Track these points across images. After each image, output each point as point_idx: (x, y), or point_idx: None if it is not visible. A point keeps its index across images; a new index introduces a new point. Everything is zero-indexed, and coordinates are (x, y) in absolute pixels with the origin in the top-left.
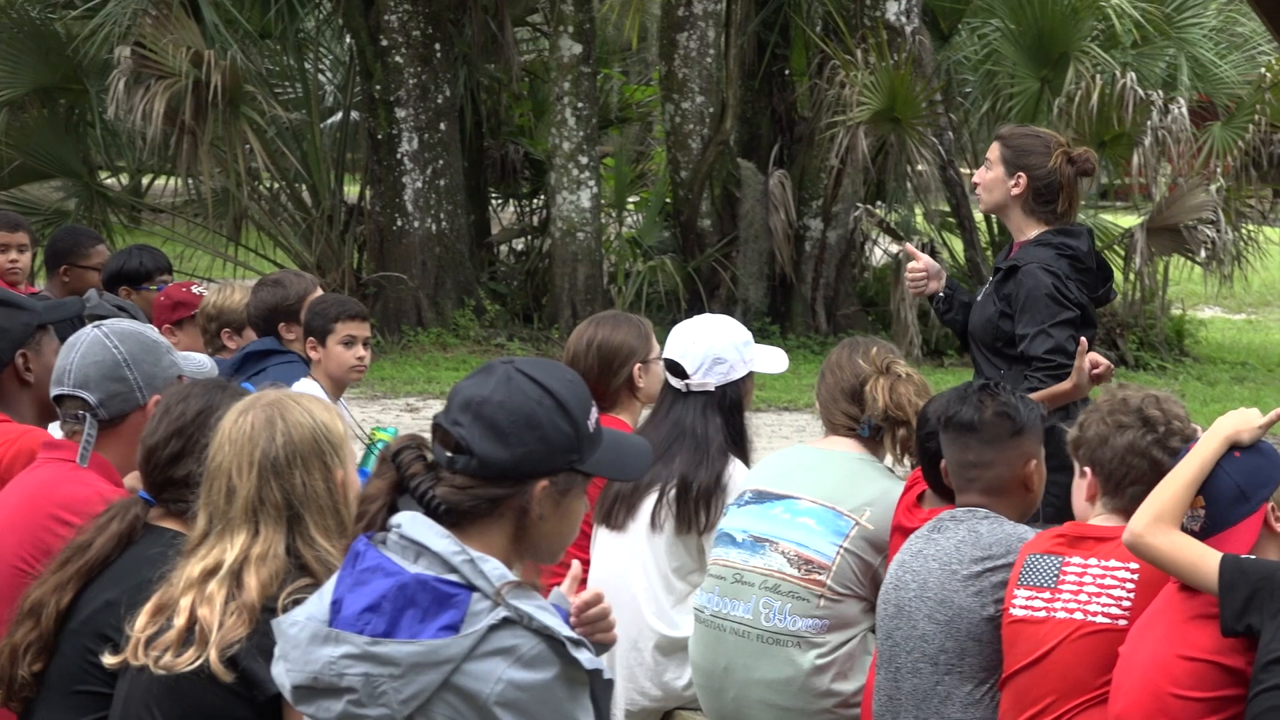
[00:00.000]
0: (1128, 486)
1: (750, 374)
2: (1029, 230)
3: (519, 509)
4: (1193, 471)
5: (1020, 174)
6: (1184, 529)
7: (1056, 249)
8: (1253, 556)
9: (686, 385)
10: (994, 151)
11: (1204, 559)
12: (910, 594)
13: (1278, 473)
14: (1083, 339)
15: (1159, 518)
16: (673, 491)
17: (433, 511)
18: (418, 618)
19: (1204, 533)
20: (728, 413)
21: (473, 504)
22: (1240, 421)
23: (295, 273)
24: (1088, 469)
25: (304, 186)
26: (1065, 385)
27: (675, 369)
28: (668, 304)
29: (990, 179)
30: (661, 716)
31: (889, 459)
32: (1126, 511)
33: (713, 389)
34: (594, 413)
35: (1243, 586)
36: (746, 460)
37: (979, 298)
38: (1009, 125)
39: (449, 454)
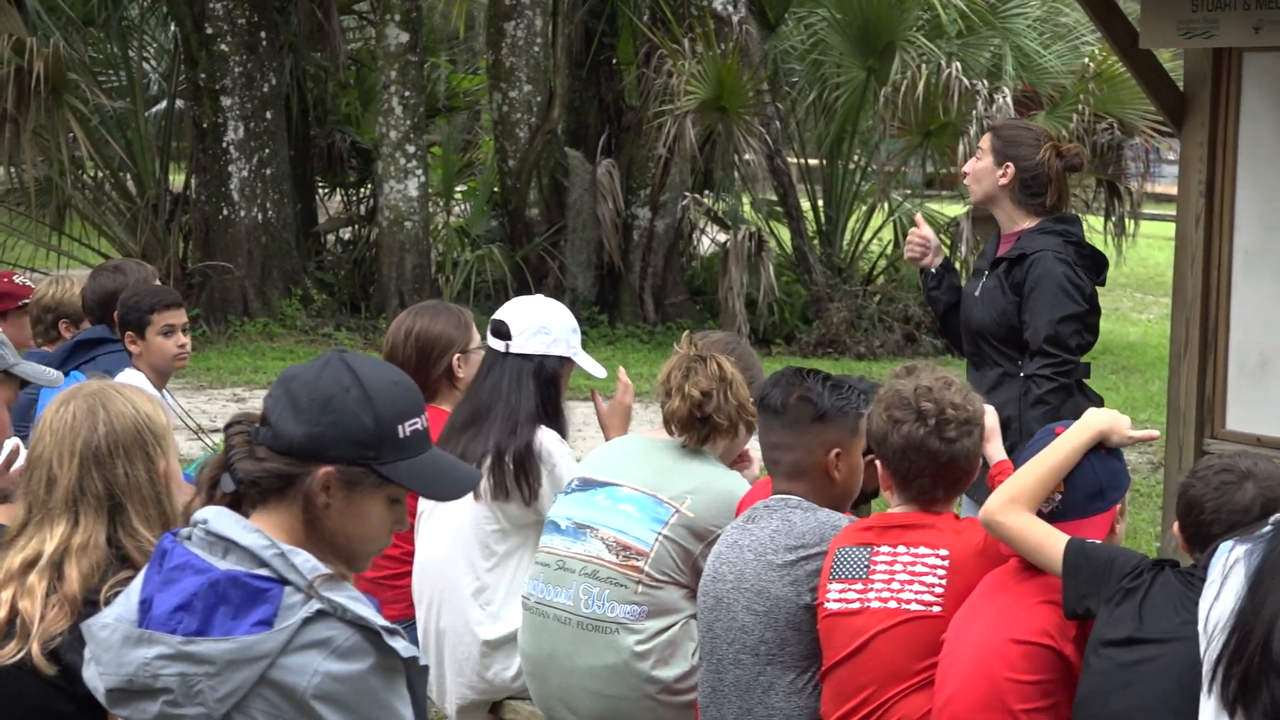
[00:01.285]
0: (914, 479)
1: (570, 359)
2: (1021, 221)
3: (306, 493)
4: (1058, 460)
5: (1008, 164)
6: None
7: (1063, 236)
8: (1098, 541)
9: (507, 347)
10: (985, 142)
11: (1051, 541)
12: (728, 585)
13: (1128, 481)
14: None
15: (1015, 499)
16: (488, 460)
17: (236, 485)
18: (230, 614)
19: (1053, 517)
20: (544, 384)
21: (265, 477)
22: (1113, 421)
23: (136, 261)
24: (878, 461)
25: (128, 175)
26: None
27: (500, 330)
28: (495, 293)
29: (980, 168)
30: (491, 707)
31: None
32: (921, 501)
33: (532, 356)
34: (414, 423)
35: (1085, 570)
36: (562, 434)
37: (976, 292)
38: (1001, 117)
39: (256, 424)
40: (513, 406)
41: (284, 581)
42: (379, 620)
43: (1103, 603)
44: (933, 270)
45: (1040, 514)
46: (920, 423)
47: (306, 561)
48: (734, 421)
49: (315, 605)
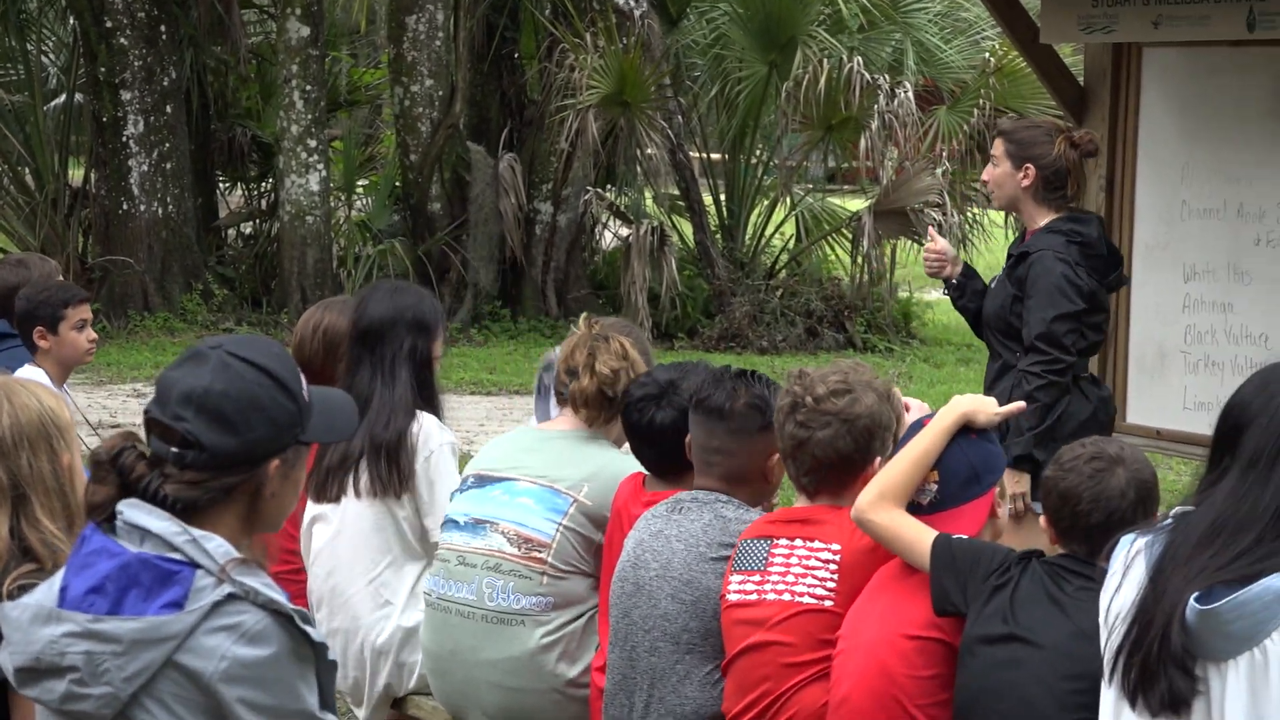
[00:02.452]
0: (788, 464)
1: (440, 337)
2: (1041, 219)
3: (252, 491)
4: (921, 450)
5: (1028, 165)
6: (915, 503)
7: (1066, 235)
8: (964, 537)
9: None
10: (998, 148)
11: (920, 538)
12: (651, 573)
13: (1004, 462)
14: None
15: (883, 495)
16: (365, 458)
17: (168, 508)
18: (141, 596)
19: (933, 508)
20: (417, 368)
21: (208, 496)
22: (976, 404)
23: (39, 256)
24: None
25: (27, 170)
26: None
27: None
28: None
29: (999, 175)
30: (392, 703)
31: None
32: (806, 493)
33: (403, 342)
34: (304, 381)
35: (952, 567)
36: (438, 415)
37: (992, 285)
38: (1006, 120)
39: (175, 450)
40: (386, 399)
41: (195, 565)
42: (291, 605)
43: (972, 600)
44: (953, 281)
45: (920, 505)
46: (784, 406)
47: (219, 546)
48: None
49: (226, 589)
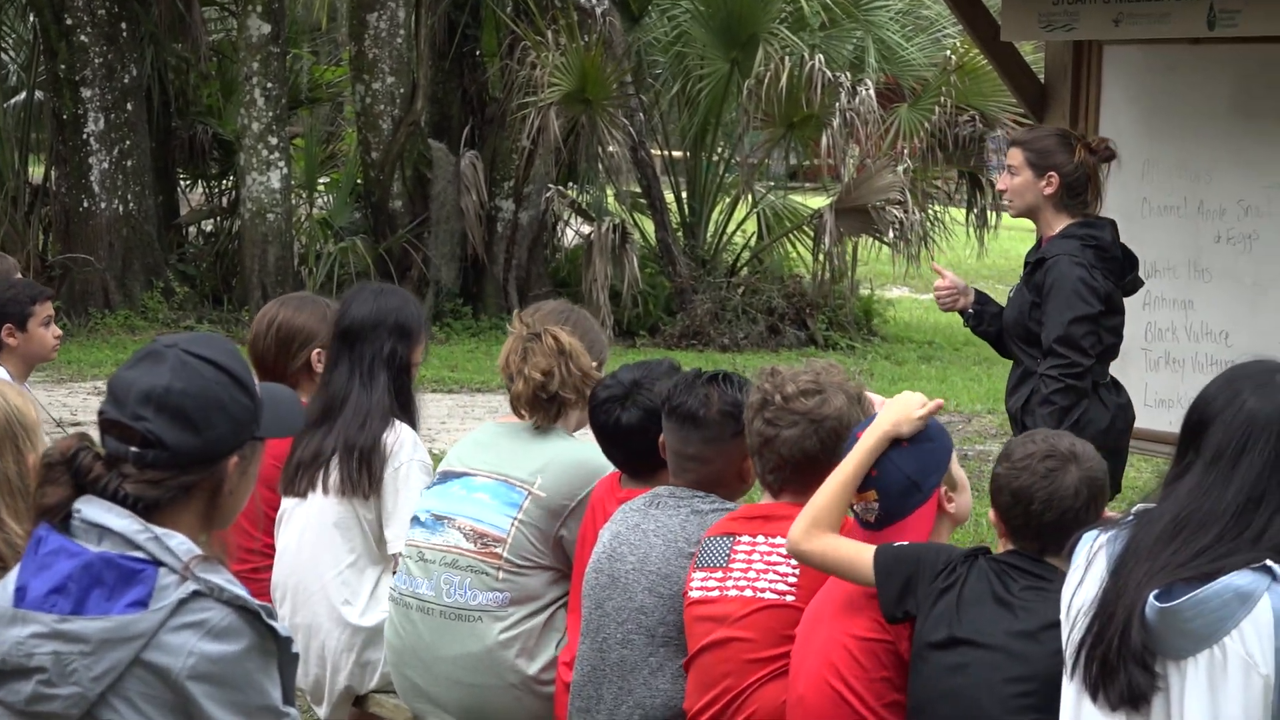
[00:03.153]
0: (755, 460)
1: (422, 343)
2: (1058, 225)
3: (212, 488)
4: (846, 474)
5: (1051, 174)
6: (861, 521)
7: (1081, 240)
8: (906, 543)
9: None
10: (1015, 157)
11: (859, 556)
12: (628, 566)
13: (946, 455)
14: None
15: (814, 523)
16: (338, 456)
17: (129, 507)
18: (105, 595)
19: (879, 524)
20: (395, 374)
21: (170, 494)
22: (899, 414)
23: None
24: None
25: None
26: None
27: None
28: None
29: (1019, 184)
30: (354, 700)
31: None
32: (770, 490)
33: (383, 345)
34: (254, 376)
35: (897, 574)
36: (413, 424)
37: (1010, 295)
38: (1020, 130)
39: (135, 449)
40: (363, 401)
41: (158, 563)
42: (256, 600)
43: (921, 601)
44: (970, 311)
45: (869, 524)
46: (753, 403)
47: (181, 544)
48: (580, 393)
49: (191, 586)
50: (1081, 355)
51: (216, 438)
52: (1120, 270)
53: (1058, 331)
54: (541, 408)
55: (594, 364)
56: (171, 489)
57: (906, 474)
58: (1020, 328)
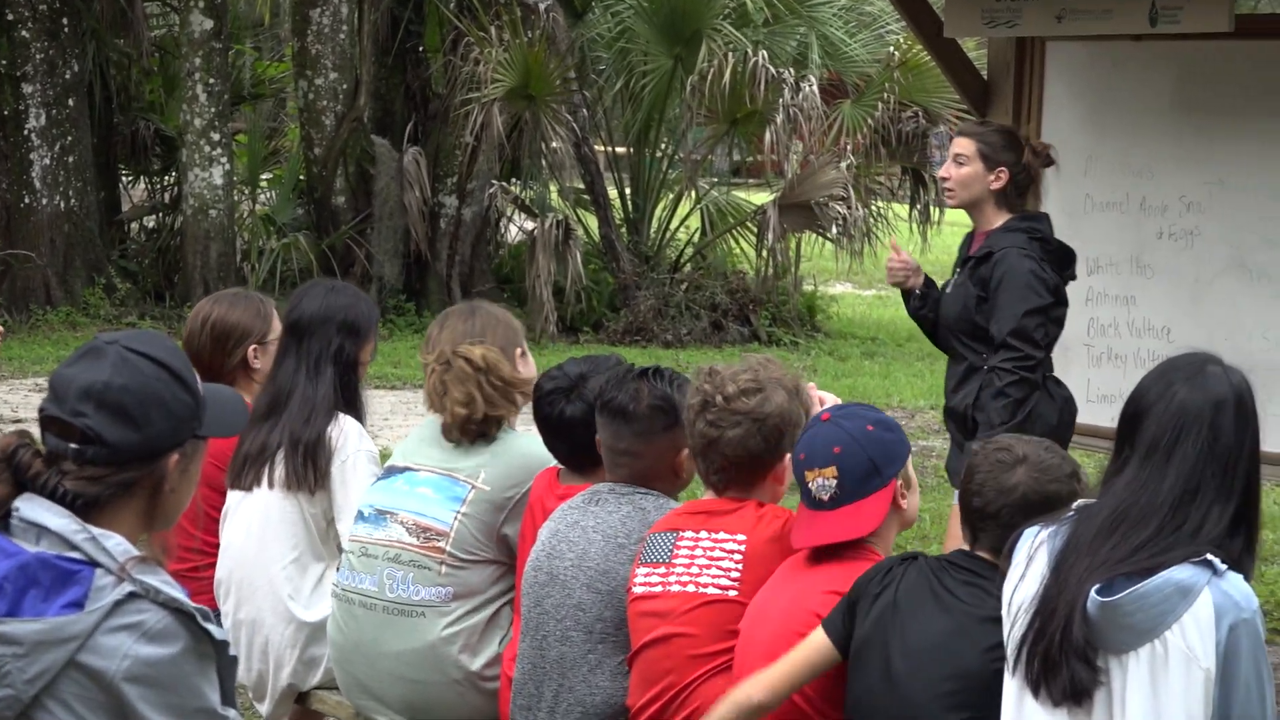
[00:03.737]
0: (699, 460)
1: (371, 342)
2: (996, 220)
3: (152, 486)
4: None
5: (1002, 169)
6: (813, 502)
7: (1027, 233)
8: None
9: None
10: (966, 147)
11: (809, 641)
12: (567, 563)
13: (905, 449)
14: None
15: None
16: (283, 450)
17: (66, 504)
18: (40, 596)
19: (834, 503)
20: (342, 370)
21: (110, 491)
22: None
23: None
24: None
25: None
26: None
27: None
28: (301, 282)
29: (967, 175)
30: (297, 697)
31: None
32: (715, 489)
33: (331, 340)
34: (196, 374)
35: (841, 609)
36: (360, 420)
37: (948, 289)
38: (969, 122)
39: (75, 446)
40: (309, 395)
41: (95, 564)
42: (192, 603)
43: (860, 616)
44: (916, 291)
45: (822, 502)
46: (694, 405)
47: (118, 545)
48: (509, 399)
49: (127, 588)
50: (1034, 348)
51: (156, 434)
52: (1062, 263)
53: (1011, 324)
54: (471, 431)
55: (518, 351)
56: (111, 486)
57: (870, 456)
58: (965, 323)
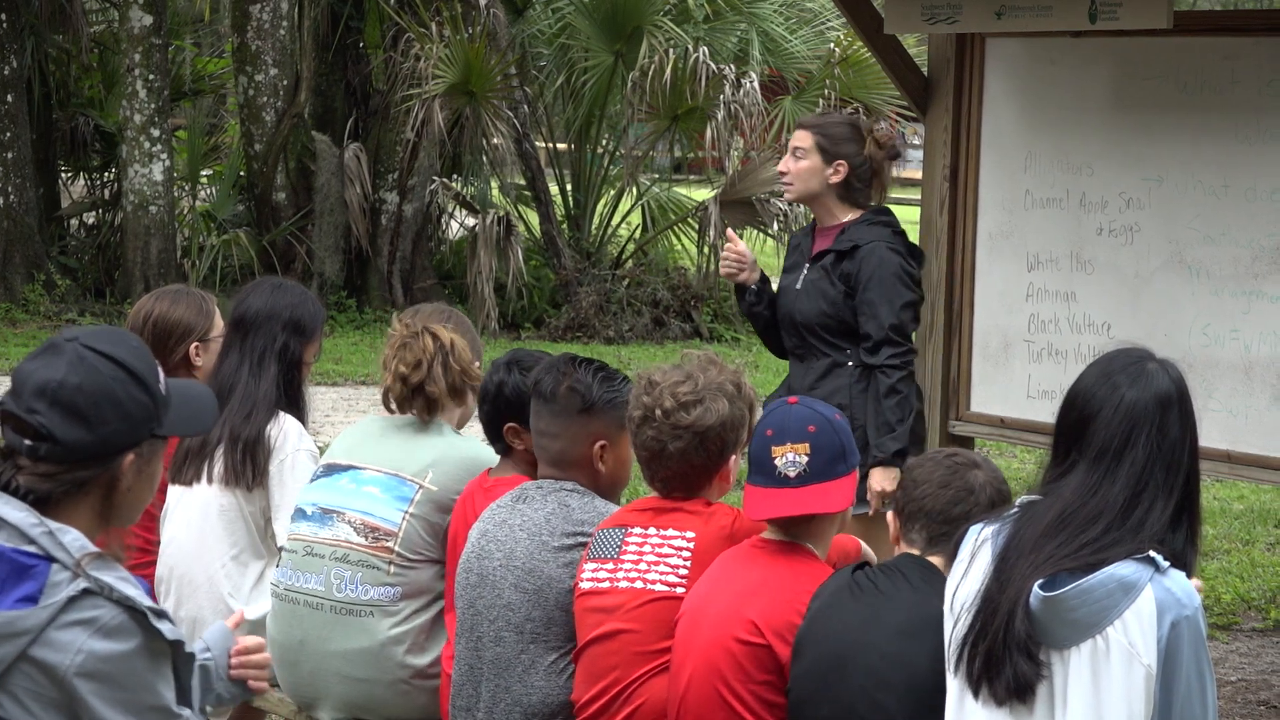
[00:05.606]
0: (644, 467)
1: (316, 342)
2: (842, 215)
3: (107, 484)
4: None
5: (840, 162)
6: (777, 479)
7: (890, 228)
8: None
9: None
10: (805, 140)
11: None
12: (495, 563)
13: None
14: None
15: None
16: (223, 445)
17: (21, 499)
18: None
19: (800, 480)
20: (286, 367)
21: (62, 489)
22: None
23: None
24: None
25: None
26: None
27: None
28: (242, 277)
29: (804, 168)
30: None
31: None
32: (662, 491)
33: (276, 337)
34: (161, 374)
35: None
36: (301, 420)
37: (798, 285)
38: (810, 115)
39: (28, 442)
40: (250, 390)
41: (51, 559)
42: (146, 601)
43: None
44: (752, 286)
45: (788, 479)
46: (635, 417)
47: (75, 540)
48: (458, 388)
49: (82, 583)
50: (909, 342)
51: (110, 434)
52: (919, 258)
53: (891, 320)
54: (409, 402)
55: (476, 364)
56: (64, 483)
57: (841, 440)
58: (830, 319)
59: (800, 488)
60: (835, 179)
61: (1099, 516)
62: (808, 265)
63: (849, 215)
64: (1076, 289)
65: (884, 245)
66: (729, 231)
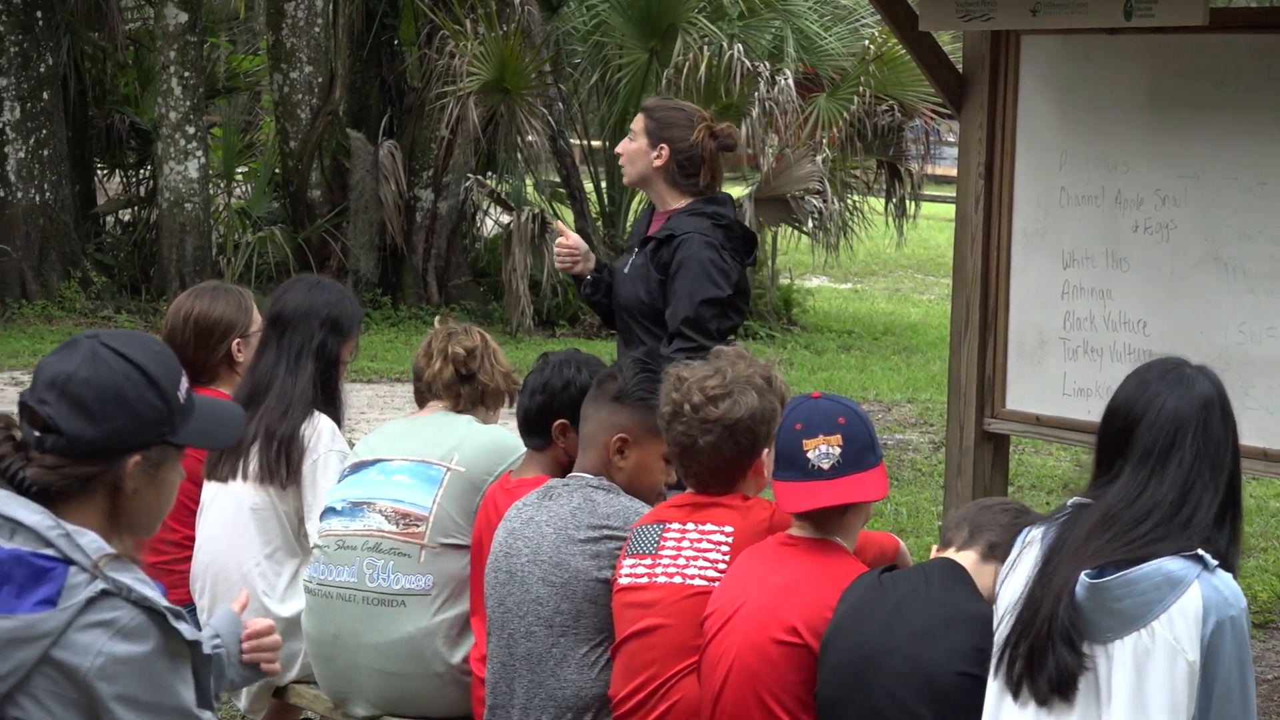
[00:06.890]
0: (689, 476)
1: (353, 340)
2: (674, 201)
3: (111, 485)
4: None
5: (663, 146)
6: (810, 471)
7: (711, 219)
8: None
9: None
10: (638, 123)
11: None
12: (523, 560)
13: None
14: None
15: None
16: (259, 442)
17: (25, 491)
18: (14, 593)
19: (834, 472)
20: (324, 366)
21: (64, 483)
22: None
23: None
24: None
25: None
26: None
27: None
28: (278, 275)
29: (633, 150)
30: (275, 691)
31: None
32: (696, 487)
33: (314, 335)
34: (184, 383)
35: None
36: (337, 419)
37: (626, 269)
38: (653, 98)
39: (37, 433)
40: (287, 388)
41: (69, 561)
42: (164, 602)
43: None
44: (588, 277)
45: (821, 471)
46: (665, 414)
47: (92, 542)
48: (500, 388)
49: (100, 585)
50: (706, 338)
51: (114, 431)
52: (747, 249)
53: (686, 313)
54: (457, 390)
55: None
56: (66, 477)
57: (869, 430)
58: (647, 307)
59: (835, 479)
60: (658, 162)
61: (1149, 514)
62: (636, 250)
63: (679, 202)
64: (1112, 286)
65: (699, 237)
66: (559, 224)
